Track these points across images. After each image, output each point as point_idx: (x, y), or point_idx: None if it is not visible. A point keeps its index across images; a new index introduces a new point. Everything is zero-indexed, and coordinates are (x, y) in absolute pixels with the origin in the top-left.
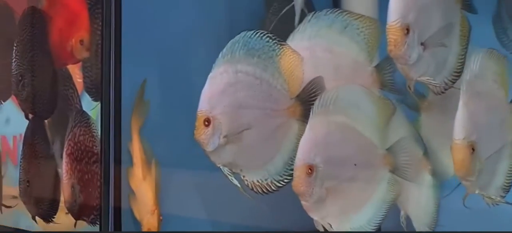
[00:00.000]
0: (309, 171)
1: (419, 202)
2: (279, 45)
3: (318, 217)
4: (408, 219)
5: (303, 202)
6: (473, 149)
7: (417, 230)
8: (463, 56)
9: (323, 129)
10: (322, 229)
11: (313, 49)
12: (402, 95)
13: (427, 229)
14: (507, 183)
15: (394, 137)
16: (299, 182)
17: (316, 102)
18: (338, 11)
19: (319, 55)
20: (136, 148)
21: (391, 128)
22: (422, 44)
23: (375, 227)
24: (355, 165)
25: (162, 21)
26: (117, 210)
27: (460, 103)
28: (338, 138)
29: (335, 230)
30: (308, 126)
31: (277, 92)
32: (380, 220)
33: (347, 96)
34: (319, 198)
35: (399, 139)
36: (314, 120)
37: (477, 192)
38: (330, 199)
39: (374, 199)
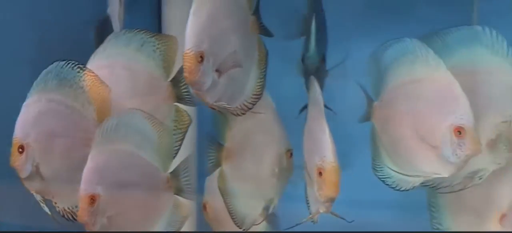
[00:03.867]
0: (92, 201)
1: None
2: (89, 76)
3: None
4: None
5: None
6: None
7: None
8: (262, 79)
9: (104, 157)
10: None
11: (113, 67)
12: (197, 105)
13: None
14: None
15: None
16: (83, 213)
17: (97, 131)
18: (136, 31)
19: (118, 72)
20: None
21: None
22: (217, 70)
23: None
24: (137, 191)
25: None
26: None
27: None
28: (119, 165)
29: None
30: (90, 156)
31: (87, 121)
32: None
33: (128, 123)
34: (102, 227)
35: (183, 160)
36: (96, 150)
37: None
38: (113, 227)
39: (160, 223)
